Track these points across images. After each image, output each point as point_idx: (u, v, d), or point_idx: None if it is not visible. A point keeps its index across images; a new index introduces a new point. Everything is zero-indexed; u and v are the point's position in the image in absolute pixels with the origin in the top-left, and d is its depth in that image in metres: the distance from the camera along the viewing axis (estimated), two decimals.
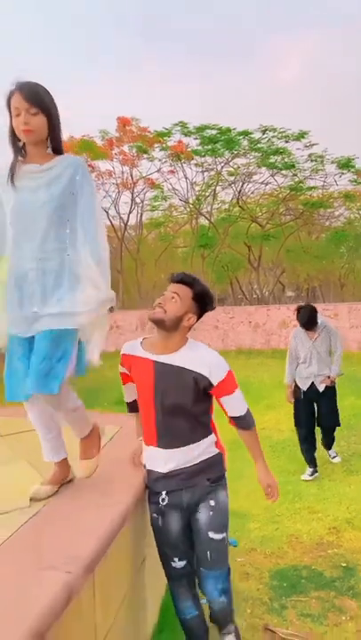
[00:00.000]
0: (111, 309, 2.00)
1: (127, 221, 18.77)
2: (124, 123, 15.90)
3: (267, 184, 18.66)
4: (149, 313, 2.03)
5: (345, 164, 16.59)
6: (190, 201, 18.85)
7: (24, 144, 1.96)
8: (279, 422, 6.58)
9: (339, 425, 4.91)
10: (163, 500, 2.07)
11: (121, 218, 18.72)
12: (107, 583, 1.66)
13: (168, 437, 2.04)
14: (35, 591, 1.23)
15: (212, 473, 2.09)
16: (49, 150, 1.97)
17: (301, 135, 16.03)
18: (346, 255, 24.95)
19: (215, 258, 18.39)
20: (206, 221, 19.15)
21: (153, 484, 2.10)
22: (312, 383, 4.74)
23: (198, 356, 2.02)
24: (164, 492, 2.07)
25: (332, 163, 16.97)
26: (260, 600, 2.76)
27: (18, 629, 1.07)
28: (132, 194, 18.02)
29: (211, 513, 2.04)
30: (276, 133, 16.04)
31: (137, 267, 19.05)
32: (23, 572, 1.36)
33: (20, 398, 1.87)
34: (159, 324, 2.00)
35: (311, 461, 4.70)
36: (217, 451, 2.13)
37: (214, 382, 2.00)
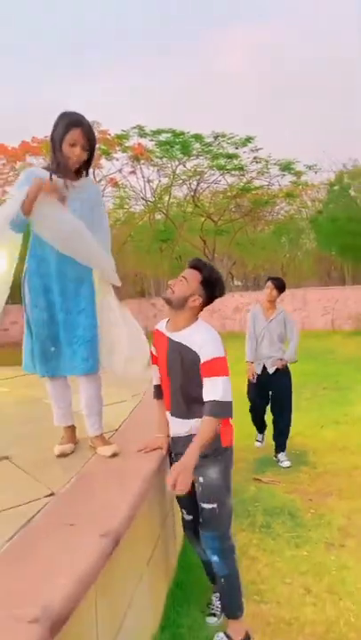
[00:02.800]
0: None
1: None
2: None
3: (216, 183, 20.50)
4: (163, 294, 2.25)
5: (286, 167, 18.65)
6: (148, 198, 20.37)
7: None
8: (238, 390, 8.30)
9: (290, 414, 4.80)
10: (173, 459, 2.33)
11: None
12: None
13: (175, 407, 2.27)
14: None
15: (205, 450, 2.13)
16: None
17: (248, 140, 17.88)
18: (287, 246, 27.35)
19: (172, 251, 20.06)
20: (161, 217, 20.77)
21: (170, 444, 2.40)
22: (264, 366, 4.74)
23: (196, 334, 2.14)
24: (173, 453, 2.35)
25: (275, 165, 18.98)
26: (247, 469, 4.45)
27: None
28: None
29: (200, 488, 2.22)
30: (225, 139, 17.80)
31: None
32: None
33: None
34: (168, 303, 2.20)
35: (259, 428, 5.02)
36: None
37: (201, 360, 2.09)
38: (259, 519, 3.46)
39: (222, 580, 2.25)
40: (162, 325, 2.32)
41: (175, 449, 2.34)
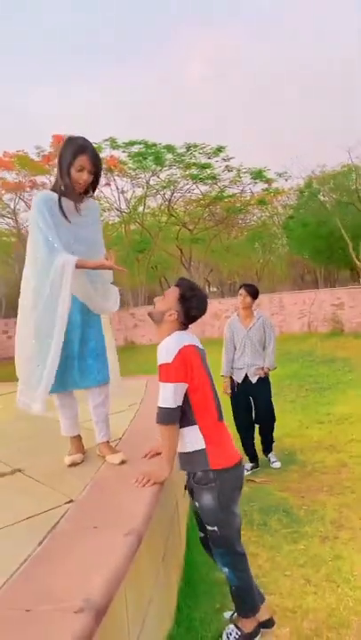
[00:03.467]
0: None
1: None
2: (58, 140, 17.16)
3: (189, 192, 20.83)
4: None
5: (257, 175, 19.09)
6: (123, 209, 20.53)
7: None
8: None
9: (274, 420, 4.88)
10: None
11: None
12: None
13: None
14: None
15: (192, 469, 2.25)
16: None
17: (219, 149, 18.24)
18: (260, 251, 27.89)
19: (148, 261, 20.24)
20: (136, 227, 20.96)
21: None
22: (246, 375, 4.70)
23: (161, 345, 2.22)
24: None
25: (246, 173, 19.40)
26: None
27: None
28: None
29: (199, 511, 2.30)
30: (197, 149, 18.13)
31: None
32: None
33: None
34: (150, 317, 2.35)
35: (251, 457, 4.78)
36: (198, 447, 2.20)
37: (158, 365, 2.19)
38: (256, 518, 3.62)
39: (234, 588, 2.34)
40: None
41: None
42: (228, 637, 2.35)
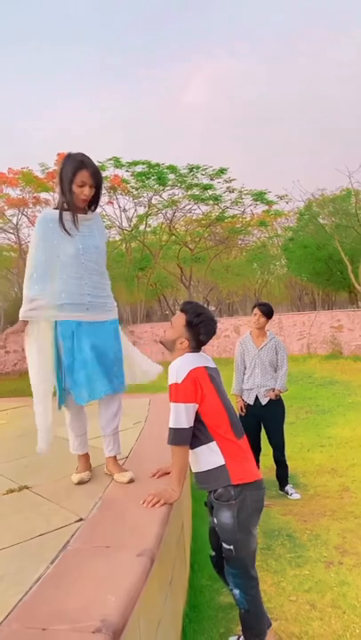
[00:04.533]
0: None
1: None
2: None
3: (191, 212, 21.06)
4: None
5: (258, 196, 19.33)
6: (124, 227, 20.72)
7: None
8: None
9: (283, 445, 4.65)
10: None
11: None
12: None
13: None
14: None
15: (213, 486, 2.21)
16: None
17: (221, 171, 18.49)
18: (259, 272, 28.05)
19: (148, 278, 20.35)
20: (137, 244, 21.12)
21: None
22: (256, 396, 4.58)
23: (171, 365, 2.24)
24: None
25: (247, 194, 19.64)
26: None
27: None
28: None
29: (217, 529, 2.24)
30: (200, 170, 18.36)
31: None
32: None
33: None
34: (162, 344, 2.38)
35: None
36: (218, 464, 2.18)
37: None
38: (260, 541, 3.57)
39: (242, 611, 2.31)
40: None
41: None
42: None
